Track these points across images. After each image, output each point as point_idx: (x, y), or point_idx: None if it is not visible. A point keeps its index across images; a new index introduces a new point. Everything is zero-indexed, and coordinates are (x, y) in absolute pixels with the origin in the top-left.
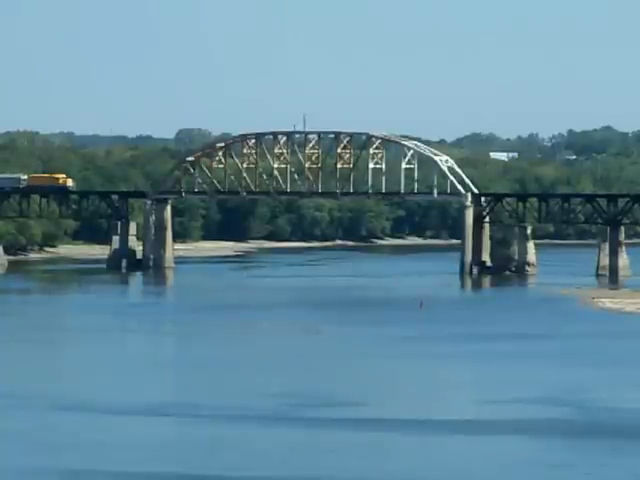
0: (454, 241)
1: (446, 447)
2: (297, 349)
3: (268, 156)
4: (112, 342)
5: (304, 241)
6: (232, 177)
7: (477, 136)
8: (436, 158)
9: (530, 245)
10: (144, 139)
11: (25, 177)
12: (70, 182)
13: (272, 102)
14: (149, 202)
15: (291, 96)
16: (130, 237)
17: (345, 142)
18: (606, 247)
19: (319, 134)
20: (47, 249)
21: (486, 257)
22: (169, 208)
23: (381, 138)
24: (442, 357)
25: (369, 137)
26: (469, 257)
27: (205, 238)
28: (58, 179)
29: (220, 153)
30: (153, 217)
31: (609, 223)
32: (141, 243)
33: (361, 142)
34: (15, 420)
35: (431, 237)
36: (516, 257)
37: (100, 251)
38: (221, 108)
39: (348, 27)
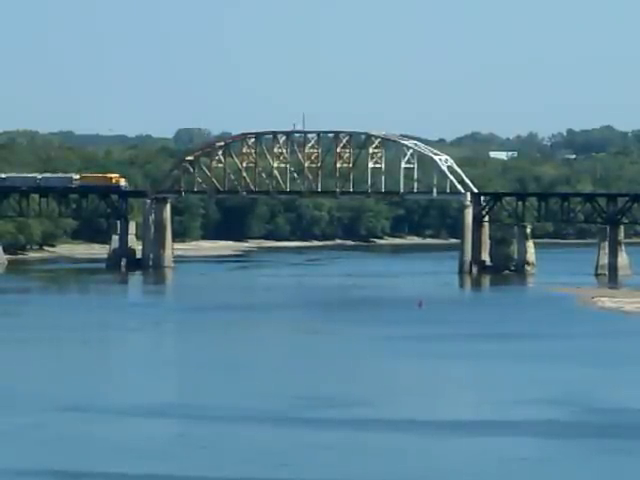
0: (453, 240)
1: (447, 447)
2: (296, 348)
3: (268, 155)
4: (111, 341)
5: (303, 240)
6: (232, 176)
7: (476, 135)
8: (435, 157)
9: (529, 244)
10: (144, 138)
11: (77, 177)
12: (123, 182)
13: (272, 101)
14: (148, 201)
15: (291, 95)
16: (129, 236)
17: (344, 141)
18: (605, 246)
19: (318, 133)
20: (46, 248)
21: (485, 256)
22: (168, 207)
23: (380, 137)
24: (441, 357)
25: (368, 136)
26: (468, 256)
27: (204, 237)
28: (111, 179)
29: (219, 152)
30: (152, 216)
31: (608, 222)
32: (140, 242)
33: (360, 141)
34: (12, 420)
35: (430, 236)
36: (515, 256)
37: (99, 250)
38: (220, 107)
39: (347, 26)
